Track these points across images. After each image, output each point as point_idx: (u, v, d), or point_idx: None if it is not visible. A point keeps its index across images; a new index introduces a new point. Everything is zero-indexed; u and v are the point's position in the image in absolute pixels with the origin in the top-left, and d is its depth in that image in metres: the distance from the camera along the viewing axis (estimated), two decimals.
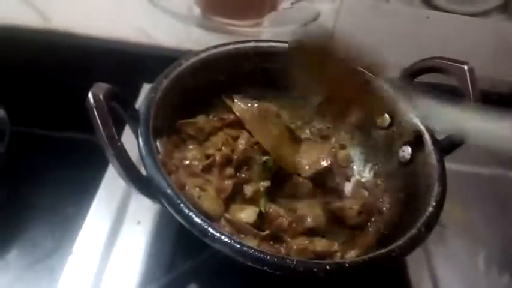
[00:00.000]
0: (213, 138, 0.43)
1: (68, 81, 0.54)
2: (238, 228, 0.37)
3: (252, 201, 0.40)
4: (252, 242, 0.36)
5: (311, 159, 0.43)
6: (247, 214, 0.38)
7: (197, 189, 0.37)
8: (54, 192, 0.52)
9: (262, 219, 0.38)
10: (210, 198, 0.37)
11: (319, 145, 0.46)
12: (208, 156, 0.40)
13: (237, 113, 0.44)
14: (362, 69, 0.38)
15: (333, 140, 0.48)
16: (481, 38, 0.63)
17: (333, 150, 0.46)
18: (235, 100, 0.45)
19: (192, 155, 0.40)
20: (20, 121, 0.53)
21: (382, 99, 0.36)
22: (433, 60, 0.41)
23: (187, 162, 0.39)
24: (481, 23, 0.64)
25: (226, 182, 0.39)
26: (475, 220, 0.51)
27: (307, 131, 0.48)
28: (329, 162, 0.43)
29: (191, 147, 0.41)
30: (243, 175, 0.41)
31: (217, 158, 0.40)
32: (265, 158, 0.42)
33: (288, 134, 0.46)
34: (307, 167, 0.43)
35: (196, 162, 0.40)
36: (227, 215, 0.38)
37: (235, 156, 0.41)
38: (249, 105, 0.45)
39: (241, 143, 0.41)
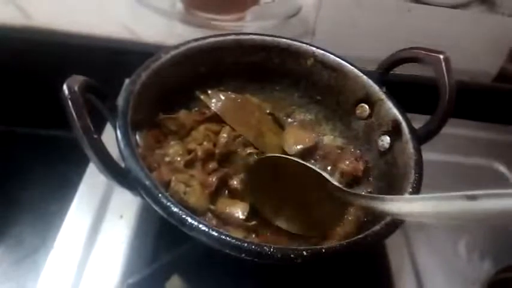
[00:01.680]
0: (194, 132, 0.42)
1: (50, 78, 0.54)
2: (224, 220, 0.38)
3: (240, 194, 0.40)
4: (238, 234, 0.37)
5: (297, 138, 0.44)
6: (239, 209, 0.38)
7: (182, 185, 0.37)
8: (37, 189, 0.52)
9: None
10: (196, 194, 0.38)
11: (302, 129, 0.47)
12: (190, 152, 0.40)
13: (213, 107, 0.43)
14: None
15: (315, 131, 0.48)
16: (461, 30, 0.64)
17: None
18: (210, 94, 0.44)
19: (173, 151, 0.40)
20: (2, 119, 0.53)
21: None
22: (409, 51, 0.42)
23: (168, 158, 0.39)
24: (461, 14, 0.65)
25: (210, 178, 0.39)
26: None
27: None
28: (315, 141, 0.44)
29: (172, 143, 0.41)
30: (227, 169, 0.41)
31: (199, 153, 0.40)
32: (248, 150, 0.43)
33: (269, 121, 0.46)
34: (294, 146, 0.44)
35: (178, 158, 0.39)
36: (212, 207, 0.38)
37: (217, 151, 0.41)
38: (224, 98, 0.44)
39: (223, 137, 0.42)
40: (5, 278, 0.46)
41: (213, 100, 0.44)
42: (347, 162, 0.43)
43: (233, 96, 0.45)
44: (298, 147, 0.44)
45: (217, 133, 0.43)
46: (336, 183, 0.35)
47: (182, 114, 0.43)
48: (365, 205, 0.32)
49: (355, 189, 0.42)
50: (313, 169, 0.37)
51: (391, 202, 0.29)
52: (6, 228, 0.49)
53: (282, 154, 0.43)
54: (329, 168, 0.44)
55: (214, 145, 0.42)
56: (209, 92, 0.44)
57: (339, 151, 0.45)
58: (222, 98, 0.44)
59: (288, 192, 0.39)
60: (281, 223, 0.39)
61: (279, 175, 0.39)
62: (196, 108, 0.45)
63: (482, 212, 0.22)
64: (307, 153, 0.45)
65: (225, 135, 0.42)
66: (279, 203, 0.39)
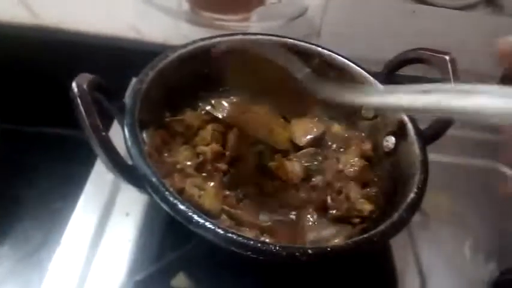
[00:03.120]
0: (201, 132, 0.42)
1: (56, 77, 0.54)
2: (237, 220, 0.38)
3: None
4: (252, 234, 0.37)
5: (305, 129, 0.45)
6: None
7: (196, 189, 0.37)
8: (43, 187, 0.52)
9: None
10: (210, 196, 0.38)
11: (309, 119, 0.47)
12: (199, 154, 0.40)
13: (220, 116, 0.43)
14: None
15: None
16: (467, 32, 0.64)
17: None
18: (214, 104, 0.44)
19: (183, 157, 0.40)
20: (8, 117, 0.53)
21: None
22: (415, 52, 0.41)
23: (179, 166, 0.39)
24: (467, 16, 0.65)
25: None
26: (462, 209, 0.52)
27: None
28: (323, 130, 0.45)
29: (181, 148, 0.41)
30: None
31: (208, 155, 0.40)
32: (259, 148, 0.43)
33: (275, 117, 0.46)
34: (303, 137, 0.44)
35: (189, 163, 0.39)
36: (226, 207, 0.38)
37: (228, 153, 0.41)
38: (228, 104, 0.44)
39: (232, 138, 0.42)
40: (10, 275, 0.46)
41: (219, 109, 0.44)
42: (353, 148, 0.44)
43: (236, 100, 0.45)
44: (308, 137, 0.44)
45: (224, 133, 0.43)
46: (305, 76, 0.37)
47: (188, 115, 0.43)
48: (331, 98, 0.32)
49: (362, 191, 0.41)
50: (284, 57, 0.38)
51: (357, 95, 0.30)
52: (11, 226, 0.50)
53: (291, 147, 0.44)
54: (340, 154, 0.44)
55: (223, 146, 0.42)
56: (213, 102, 0.44)
57: (346, 135, 0.46)
58: (226, 105, 0.44)
59: (265, 82, 0.41)
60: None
61: (257, 65, 0.41)
62: (201, 107, 0.44)
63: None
64: (317, 141, 0.45)
65: (233, 136, 0.42)
66: (256, 93, 0.42)
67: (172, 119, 0.41)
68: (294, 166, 0.43)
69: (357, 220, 0.39)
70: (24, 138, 0.57)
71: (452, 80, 0.38)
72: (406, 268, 0.44)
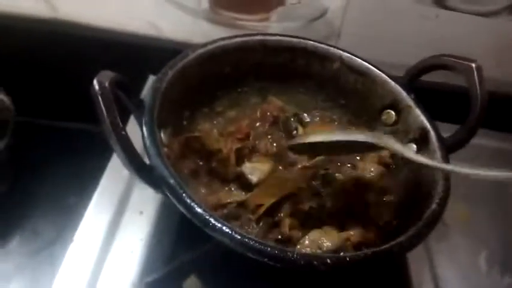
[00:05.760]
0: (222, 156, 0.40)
1: (73, 72, 0.54)
2: None
3: None
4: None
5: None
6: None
7: None
8: (57, 181, 0.52)
9: None
10: None
11: (324, 125, 0.46)
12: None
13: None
14: None
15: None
16: (489, 38, 0.63)
17: None
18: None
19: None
20: (24, 111, 0.53)
21: None
22: (439, 58, 0.41)
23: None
24: (489, 23, 0.64)
25: None
26: (478, 220, 0.51)
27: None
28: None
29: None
30: None
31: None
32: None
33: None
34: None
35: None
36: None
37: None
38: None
39: None
40: (21, 270, 0.46)
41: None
42: (371, 154, 0.42)
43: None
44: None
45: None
46: None
47: (204, 131, 0.41)
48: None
49: (380, 198, 0.40)
50: None
51: None
52: (22, 220, 0.49)
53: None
54: (358, 158, 0.43)
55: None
56: None
57: None
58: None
59: None
60: None
61: None
62: (219, 108, 0.44)
63: None
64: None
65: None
66: None
67: (188, 136, 0.40)
68: None
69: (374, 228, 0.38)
70: (39, 131, 0.57)
71: (478, 89, 0.37)
72: (421, 280, 0.43)
